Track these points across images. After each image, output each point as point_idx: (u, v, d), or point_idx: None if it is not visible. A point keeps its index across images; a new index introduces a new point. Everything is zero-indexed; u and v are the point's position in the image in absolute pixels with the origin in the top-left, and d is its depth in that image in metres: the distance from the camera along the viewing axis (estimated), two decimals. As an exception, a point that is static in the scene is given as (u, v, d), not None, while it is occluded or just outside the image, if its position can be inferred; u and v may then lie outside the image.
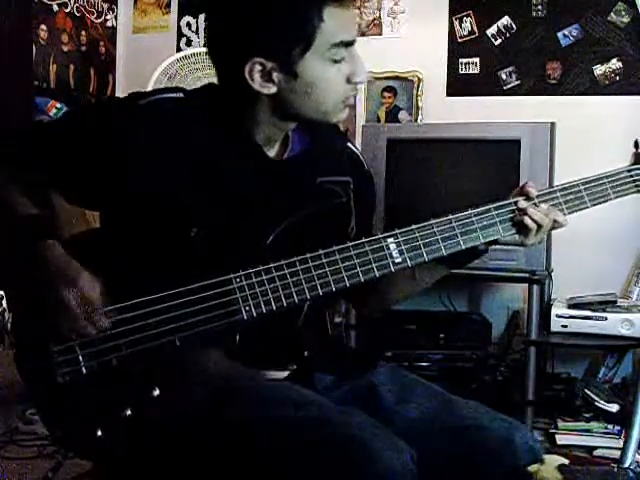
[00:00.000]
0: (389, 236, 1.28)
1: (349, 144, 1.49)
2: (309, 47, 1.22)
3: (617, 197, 1.42)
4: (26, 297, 1.28)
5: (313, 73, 1.24)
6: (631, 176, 1.42)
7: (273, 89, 1.25)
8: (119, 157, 1.26)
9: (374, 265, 1.27)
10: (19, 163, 1.33)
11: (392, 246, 1.28)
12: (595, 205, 1.39)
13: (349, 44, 1.26)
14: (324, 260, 1.25)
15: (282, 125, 1.33)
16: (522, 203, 1.34)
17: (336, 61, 1.25)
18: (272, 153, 1.36)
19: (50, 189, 1.37)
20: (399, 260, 1.28)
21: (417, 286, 1.45)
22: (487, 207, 1.34)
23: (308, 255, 1.25)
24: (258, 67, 1.23)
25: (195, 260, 1.24)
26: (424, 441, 1.19)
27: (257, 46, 1.23)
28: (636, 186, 1.42)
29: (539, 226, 1.34)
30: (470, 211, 1.33)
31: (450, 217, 1.32)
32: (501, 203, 1.35)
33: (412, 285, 1.45)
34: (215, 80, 1.34)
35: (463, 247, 1.31)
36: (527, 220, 1.33)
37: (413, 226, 1.29)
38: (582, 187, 1.39)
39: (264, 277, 1.24)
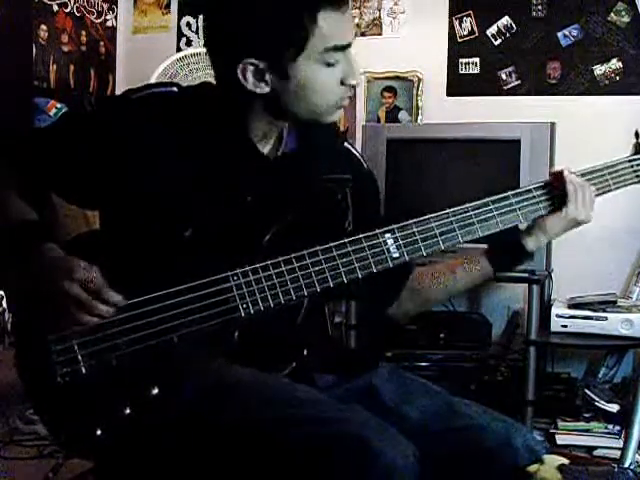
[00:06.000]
0: (386, 231, 1.29)
1: (346, 144, 1.49)
2: (302, 50, 1.22)
3: (617, 188, 1.43)
4: (26, 298, 1.28)
5: (305, 75, 1.24)
6: (631, 166, 1.42)
7: (266, 89, 1.25)
8: (112, 152, 1.27)
9: (371, 260, 1.27)
10: (18, 166, 1.33)
11: (389, 241, 1.29)
12: (596, 196, 1.40)
13: (344, 48, 1.25)
14: (321, 257, 1.25)
15: (277, 123, 1.34)
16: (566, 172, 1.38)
17: (329, 64, 1.24)
18: (266, 149, 1.36)
19: (49, 191, 1.38)
20: (396, 255, 1.29)
21: (457, 285, 1.47)
22: (485, 201, 1.35)
23: (305, 252, 1.25)
24: (251, 67, 1.23)
25: (192, 258, 1.24)
26: (424, 441, 1.18)
27: (250, 47, 1.23)
28: (637, 176, 1.43)
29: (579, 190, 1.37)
30: (467, 205, 1.33)
31: (447, 211, 1.32)
32: (497, 197, 1.35)
33: (452, 284, 1.47)
34: (209, 80, 1.34)
35: (461, 241, 1.32)
36: (568, 186, 1.36)
37: (410, 221, 1.30)
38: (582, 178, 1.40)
39: (261, 274, 1.24)
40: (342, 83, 1.27)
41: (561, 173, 1.38)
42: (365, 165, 1.49)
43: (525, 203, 1.37)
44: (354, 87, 1.30)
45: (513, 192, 1.36)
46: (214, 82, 1.35)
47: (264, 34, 1.22)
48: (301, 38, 1.21)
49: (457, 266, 1.47)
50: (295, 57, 1.22)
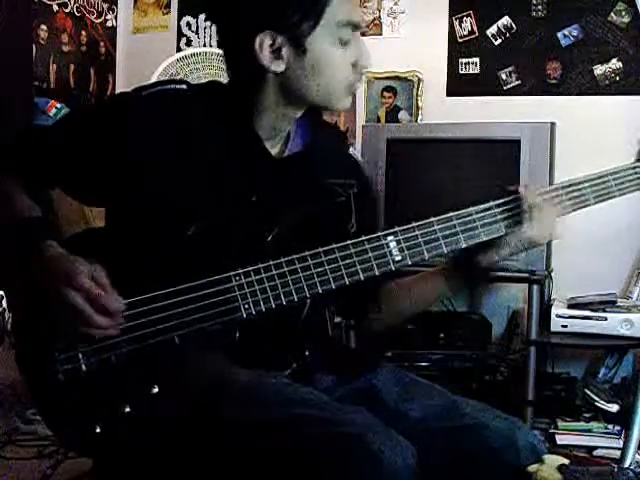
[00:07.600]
0: (389, 234, 1.29)
1: (351, 150, 1.51)
2: (318, 22, 1.25)
3: (621, 194, 1.42)
4: (27, 298, 1.27)
5: (320, 51, 1.27)
6: (636, 173, 1.42)
7: (282, 66, 1.27)
8: (120, 148, 1.27)
9: (374, 263, 1.27)
10: (25, 161, 1.34)
11: (392, 244, 1.28)
12: (599, 202, 1.40)
13: (356, 26, 1.29)
14: (324, 258, 1.25)
15: (287, 112, 1.34)
16: (522, 190, 1.34)
17: (343, 42, 1.28)
18: (274, 150, 1.36)
19: (51, 189, 1.38)
20: (399, 258, 1.28)
21: (412, 305, 1.48)
22: (489, 204, 1.34)
23: (307, 253, 1.25)
24: (268, 41, 1.25)
25: (195, 258, 1.24)
26: (426, 441, 1.18)
27: (267, 18, 1.24)
28: None
29: (535, 210, 1.33)
30: (471, 208, 1.33)
31: (451, 215, 1.32)
32: (504, 200, 1.35)
33: (407, 304, 1.48)
34: (217, 79, 1.35)
35: (464, 245, 1.32)
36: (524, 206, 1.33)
37: (413, 224, 1.30)
38: (586, 184, 1.39)
39: (263, 275, 1.24)
40: (354, 66, 1.30)
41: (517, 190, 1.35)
42: (366, 174, 1.51)
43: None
44: (365, 69, 1.32)
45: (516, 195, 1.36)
46: (222, 81, 1.36)
47: (281, 5, 1.24)
48: (317, 9, 1.24)
49: (413, 284, 1.47)
50: (312, 29, 1.25)
